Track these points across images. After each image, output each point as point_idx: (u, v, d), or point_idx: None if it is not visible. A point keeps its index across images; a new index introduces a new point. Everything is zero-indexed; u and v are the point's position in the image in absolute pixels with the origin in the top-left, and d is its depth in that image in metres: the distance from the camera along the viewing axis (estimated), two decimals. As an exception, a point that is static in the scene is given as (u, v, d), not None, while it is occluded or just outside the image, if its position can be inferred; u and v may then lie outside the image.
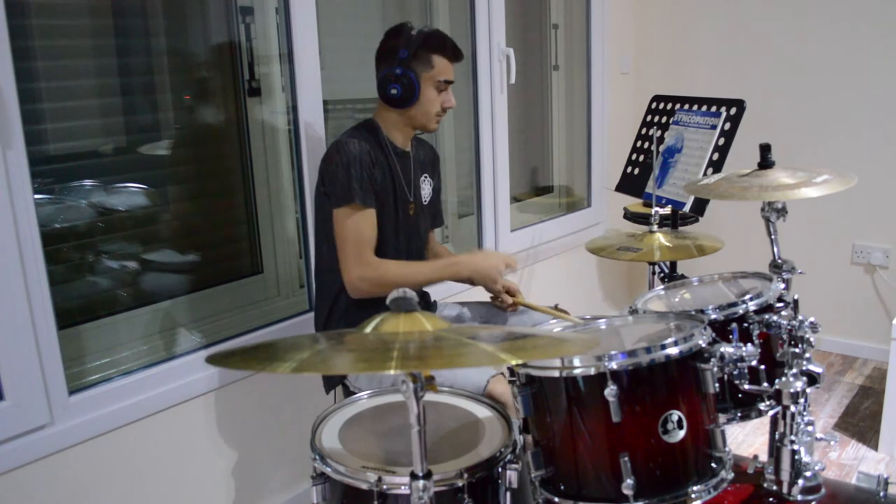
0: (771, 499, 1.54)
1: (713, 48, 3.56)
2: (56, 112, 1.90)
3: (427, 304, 2.14)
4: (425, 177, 2.08)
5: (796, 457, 1.49)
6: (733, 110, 2.42)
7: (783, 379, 1.48)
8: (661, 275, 2.43)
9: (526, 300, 2.13)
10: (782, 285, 1.64)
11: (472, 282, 2.04)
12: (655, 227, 2.16)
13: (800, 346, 1.49)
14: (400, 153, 1.98)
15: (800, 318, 1.50)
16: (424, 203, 2.07)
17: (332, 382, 2.00)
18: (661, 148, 2.63)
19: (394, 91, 1.88)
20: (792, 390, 1.47)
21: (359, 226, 1.85)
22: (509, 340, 1.04)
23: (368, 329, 1.06)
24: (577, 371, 1.29)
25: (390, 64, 1.89)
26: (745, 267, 1.94)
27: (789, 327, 1.50)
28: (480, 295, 2.23)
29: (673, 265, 2.51)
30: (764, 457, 1.67)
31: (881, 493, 1.56)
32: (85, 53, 1.96)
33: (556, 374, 1.30)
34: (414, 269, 1.95)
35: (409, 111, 1.93)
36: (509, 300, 2.08)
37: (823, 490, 1.51)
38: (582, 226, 3.52)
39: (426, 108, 1.93)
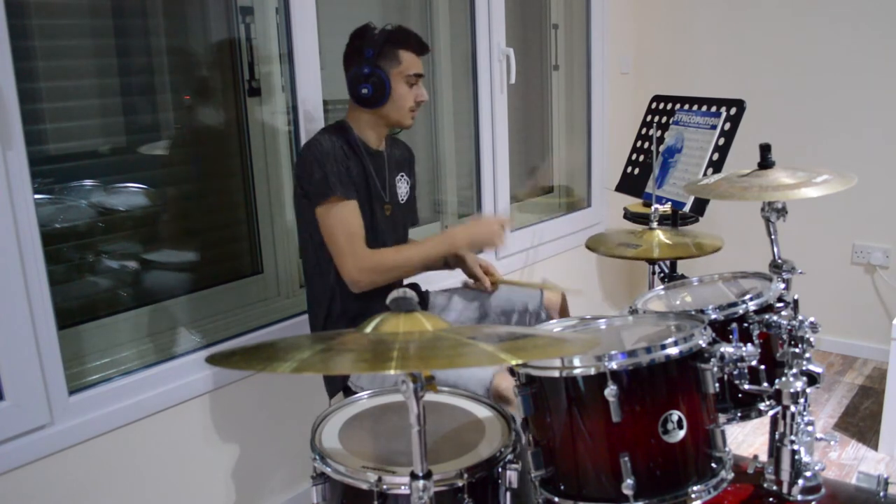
0: (771, 499, 1.54)
1: (713, 48, 3.56)
2: (56, 112, 1.90)
3: (419, 295, 2.13)
4: (402, 175, 2.06)
5: (796, 457, 1.49)
6: (733, 110, 2.42)
7: (783, 379, 1.48)
8: (661, 275, 2.43)
9: (503, 278, 2.15)
10: (782, 285, 1.64)
11: (446, 262, 2.04)
12: (655, 224, 2.16)
13: (800, 346, 1.49)
14: (373, 153, 1.96)
15: (800, 318, 1.50)
16: (402, 202, 2.06)
17: (335, 387, 1.99)
18: (661, 148, 2.63)
19: (364, 91, 1.87)
20: (792, 390, 1.47)
21: (345, 218, 1.83)
22: (509, 340, 1.04)
23: (368, 329, 1.06)
24: (577, 371, 1.29)
25: (357, 64, 1.88)
26: (745, 267, 1.93)
27: (789, 327, 1.50)
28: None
29: (673, 265, 2.51)
30: (764, 457, 1.67)
31: (881, 493, 1.56)
32: (85, 53, 1.96)
33: (556, 374, 1.30)
34: (409, 252, 1.93)
35: (381, 109, 1.92)
36: (487, 282, 2.09)
37: (823, 490, 1.51)
38: (582, 226, 3.52)
39: (399, 104, 1.91)
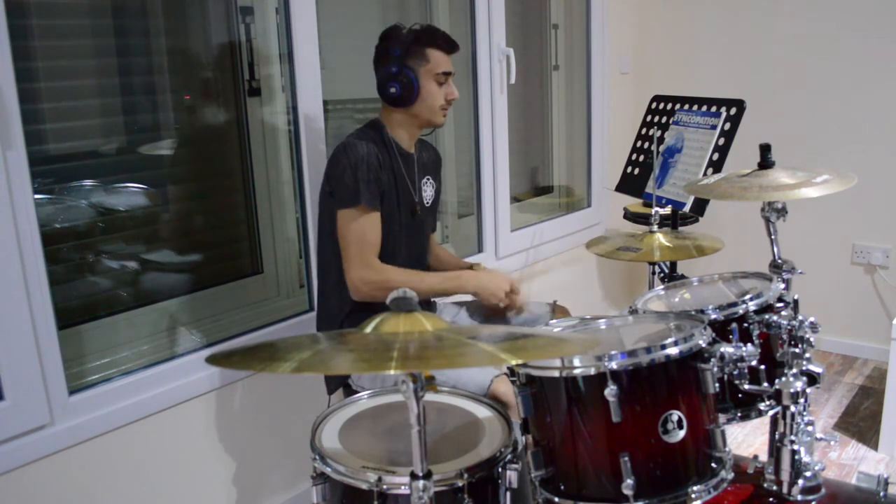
0: (771, 499, 1.54)
1: (713, 48, 3.56)
2: (56, 112, 1.90)
3: (427, 305, 2.14)
4: (427, 179, 2.08)
5: (796, 457, 1.49)
6: (733, 110, 2.42)
7: (783, 379, 1.48)
8: (661, 275, 2.43)
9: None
10: (782, 285, 1.64)
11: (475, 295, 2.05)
12: (655, 228, 2.16)
13: (800, 346, 1.49)
14: (405, 154, 1.98)
15: (800, 318, 1.50)
16: (427, 205, 2.07)
17: (335, 384, 2.00)
18: (661, 148, 2.63)
19: (393, 90, 1.89)
20: (792, 390, 1.47)
21: (364, 228, 1.85)
22: (509, 340, 1.04)
23: (368, 329, 1.06)
24: (577, 371, 1.29)
25: (386, 64, 1.90)
26: (745, 267, 1.93)
27: (789, 327, 1.50)
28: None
29: (673, 265, 2.50)
30: (764, 457, 1.67)
31: (881, 493, 1.56)
32: (85, 53, 1.96)
33: (556, 374, 1.30)
34: (418, 278, 1.94)
35: (412, 108, 1.93)
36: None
37: (823, 490, 1.51)
38: (582, 226, 3.52)
39: (429, 102, 1.92)
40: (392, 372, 0.89)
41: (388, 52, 1.90)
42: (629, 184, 2.79)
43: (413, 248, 2.02)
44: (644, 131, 2.81)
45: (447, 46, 1.94)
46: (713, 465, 1.34)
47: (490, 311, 2.14)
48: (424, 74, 1.90)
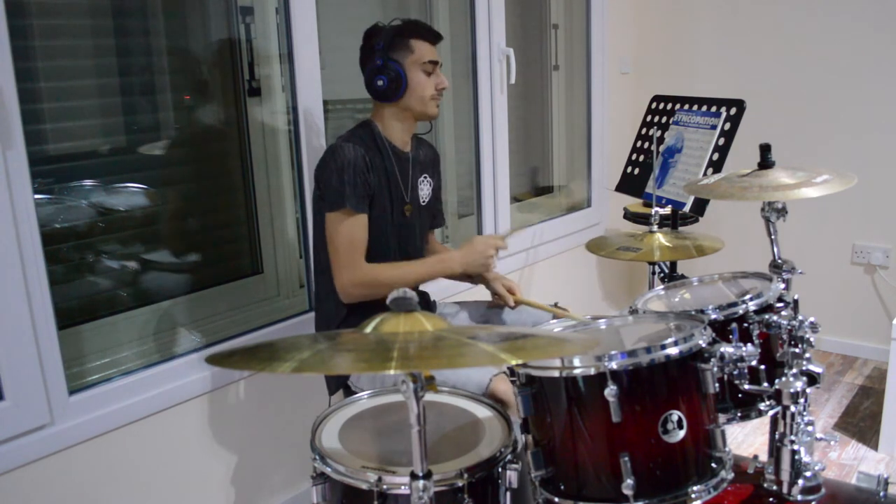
0: (771, 499, 1.54)
1: (713, 48, 3.56)
2: (56, 112, 1.90)
3: (427, 304, 2.14)
4: (425, 177, 2.07)
5: (796, 457, 1.49)
6: (733, 110, 2.42)
7: (783, 379, 1.48)
8: (661, 275, 2.43)
9: (525, 298, 2.14)
10: (782, 285, 1.64)
11: (468, 275, 2.04)
12: (655, 228, 2.16)
13: (800, 346, 1.49)
14: (398, 153, 1.97)
15: (800, 318, 1.50)
16: (423, 204, 2.06)
17: (336, 384, 2.00)
18: (661, 148, 2.63)
19: (380, 82, 1.88)
20: (792, 390, 1.47)
21: (351, 231, 1.85)
22: (509, 340, 1.04)
23: (368, 329, 1.06)
24: (577, 371, 1.29)
25: (371, 59, 1.90)
26: (745, 267, 1.94)
27: (789, 327, 1.50)
28: (480, 295, 2.24)
29: (673, 265, 2.51)
30: (764, 457, 1.67)
31: (881, 493, 1.56)
32: (85, 53, 1.96)
33: (556, 374, 1.30)
34: (404, 270, 1.94)
35: (403, 101, 1.92)
36: (510, 299, 2.09)
37: (823, 490, 1.51)
38: (582, 226, 3.52)
39: (420, 93, 1.91)
40: (392, 372, 0.89)
41: (371, 48, 1.90)
42: (629, 184, 2.79)
43: (407, 248, 2.01)
44: (644, 131, 2.81)
45: (430, 36, 1.93)
46: (713, 465, 1.34)
47: (490, 308, 2.15)
48: (411, 66, 1.90)
